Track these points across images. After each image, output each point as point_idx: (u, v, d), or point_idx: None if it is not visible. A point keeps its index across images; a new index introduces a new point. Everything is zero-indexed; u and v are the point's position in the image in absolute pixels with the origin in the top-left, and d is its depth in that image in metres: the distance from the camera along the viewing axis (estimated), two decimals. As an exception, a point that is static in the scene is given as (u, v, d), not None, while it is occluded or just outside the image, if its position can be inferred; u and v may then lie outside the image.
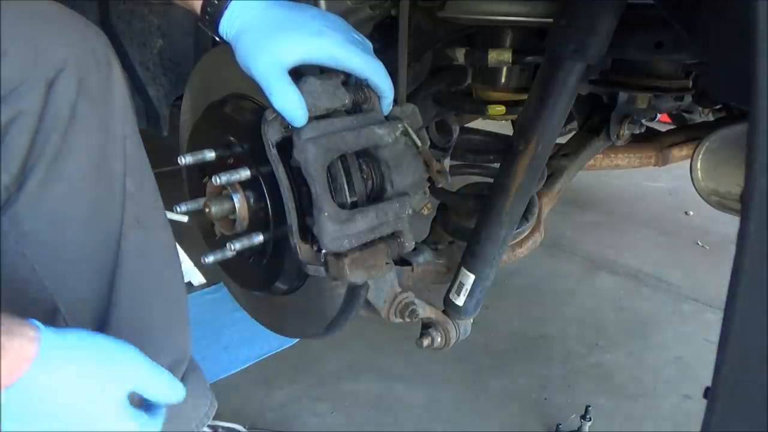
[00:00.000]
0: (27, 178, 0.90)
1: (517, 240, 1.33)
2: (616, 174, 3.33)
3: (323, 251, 0.91)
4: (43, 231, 0.94)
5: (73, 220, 0.95)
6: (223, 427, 1.32)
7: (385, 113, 0.96)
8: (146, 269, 1.04)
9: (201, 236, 1.21)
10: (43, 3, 0.90)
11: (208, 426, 1.26)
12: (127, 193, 0.99)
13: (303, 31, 0.86)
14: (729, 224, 2.53)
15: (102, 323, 1.01)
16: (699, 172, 1.24)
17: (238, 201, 1.00)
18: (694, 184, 1.26)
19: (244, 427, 1.36)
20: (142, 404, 0.81)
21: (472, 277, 1.14)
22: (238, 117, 1.02)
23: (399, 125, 0.95)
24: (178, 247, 2.11)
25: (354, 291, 1.04)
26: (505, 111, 1.31)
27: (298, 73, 0.92)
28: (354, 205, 0.92)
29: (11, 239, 0.92)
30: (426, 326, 1.20)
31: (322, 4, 1.18)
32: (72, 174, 0.93)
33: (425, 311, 1.15)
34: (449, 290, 1.18)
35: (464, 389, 1.65)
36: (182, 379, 1.13)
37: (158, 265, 1.07)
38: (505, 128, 1.87)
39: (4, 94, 0.83)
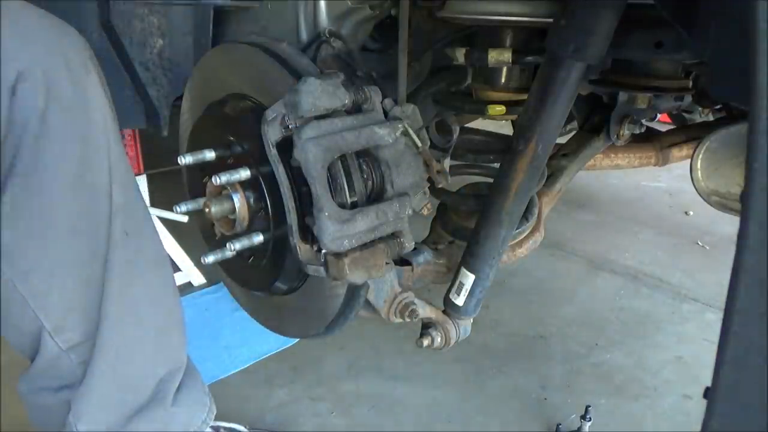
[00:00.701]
0: (1, 194, 0.88)
1: (517, 240, 1.33)
2: (616, 174, 3.33)
3: (323, 251, 0.91)
4: (23, 247, 0.92)
5: (55, 234, 0.93)
6: (224, 428, 1.32)
7: None
8: (136, 280, 1.02)
9: (201, 236, 1.21)
10: (18, 4, 0.87)
11: (210, 426, 1.26)
12: (114, 204, 0.97)
13: None
14: (729, 224, 2.54)
15: (92, 336, 1.00)
16: (699, 172, 1.24)
17: (238, 201, 1.00)
18: (694, 184, 1.26)
19: (245, 428, 1.36)
20: None
21: (472, 277, 1.14)
22: (238, 117, 1.02)
23: (399, 125, 0.95)
24: (179, 247, 2.13)
25: (354, 291, 1.05)
26: (505, 111, 1.31)
27: (297, 73, 0.92)
28: (354, 205, 0.92)
29: None
30: (426, 326, 1.20)
31: (322, 3, 1.19)
32: (49, 187, 0.91)
33: (425, 311, 1.15)
34: (449, 290, 1.18)
35: (464, 389, 1.65)
36: (178, 389, 1.12)
37: (149, 276, 1.05)
38: (505, 128, 1.87)
39: None
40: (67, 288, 0.97)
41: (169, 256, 2.09)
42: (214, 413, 1.20)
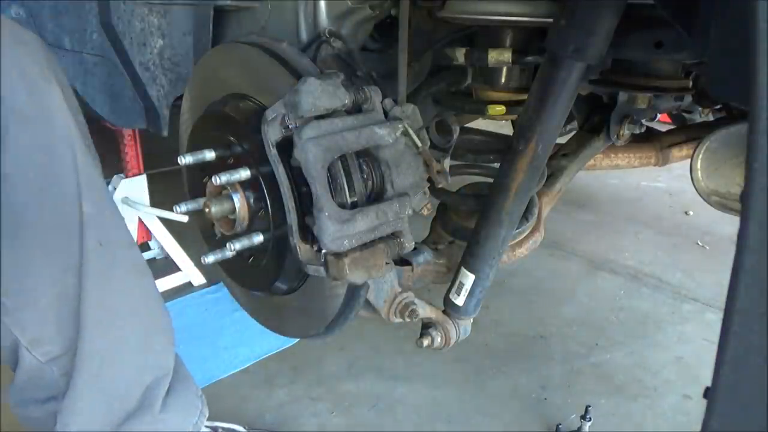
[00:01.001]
0: None
1: (517, 240, 1.33)
2: (616, 174, 3.33)
3: (323, 251, 0.91)
4: None
5: (23, 249, 0.92)
6: (223, 428, 1.32)
7: None
8: (114, 290, 1.01)
9: (201, 236, 1.21)
10: None
11: (208, 426, 1.25)
12: (85, 215, 0.94)
13: None
14: (729, 224, 2.54)
15: (73, 348, 0.99)
16: (699, 172, 1.24)
17: (238, 201, 1.00)
18: (694, 184, 1.26)
19: (244, 428, 1.36)
20: None
21: (472, 277, 1.14)
22: (238, 117, 1.02)
23: (399, 125, 0.95)
24: (178, 246, 2.13)
25: (354, 291, 1.05)
26: (505, 111, 1.31)
27: (297, 73, 0.92)
28: (354, 205, 0.92)
29: None
30: (426, 326, 1.20)
31: (322, 3, 1.19)
32: (12, 201, 0.88)
33: (425, 311, 1.15)
34: (449, 290, 1.18)
35: (464, 389, 1.65)
36: (167, 394, 1.12)
37: (127, 285, 1.04)
38: (505, 128, 1.87)
39: None
40: (41, 302, 0.95)
41: (171, 258, 2.10)
42: (206, 416, 1.19)
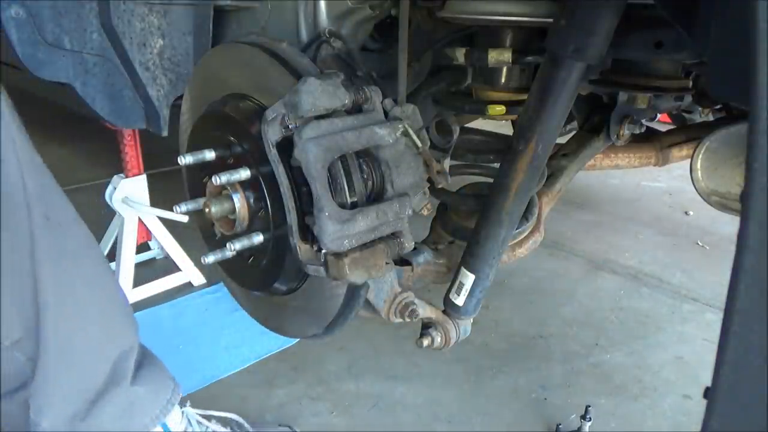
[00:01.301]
0: None
1: (517, 240, 1.33)
2: (616, 174, 3.34)
3: (323, 251, 0.91)
4: None
5: None
6: (216, 417, 1.32)
7: None
8: (68, 265, 1.01)
9: (201, 236, 1.21)
10: None
11: (201, 415, 1.25)
12: (29, 192, 0.96)
13: None
14: (729, 224, 2.54)
15: (34, 330, 0.99)
16: (699, 172, 1.24)
17: (238, 201, 1.00)
18: (694, 184, 1.26)
19: (241, 418, 1.36)
20: None
21: (472, 277, 1.14)
22: (238, 117, 1.02)
23: (399, 125, 0.95)
24: (178, 246, 2.13)
25: (354, 291, 1.05)
26: (505, 111, 1.31)
27: (297, 73, 0.92)
28: (354, 205, 0.92)
29: None
30: (426, 326, 1.20)
31: (322, 3, 1.19)
32: None
33: (425, 311, 1.15)
34: (449, 290, 1.18)
35: (464, 389, 1.65)
36: (138, 369, 1.12)
37: (80, 259, 1.05)
38: (505, 128, 1.87)
39: None
40: None
41: (171, 258, 2.10)
42: (180, 394, 1.20)
